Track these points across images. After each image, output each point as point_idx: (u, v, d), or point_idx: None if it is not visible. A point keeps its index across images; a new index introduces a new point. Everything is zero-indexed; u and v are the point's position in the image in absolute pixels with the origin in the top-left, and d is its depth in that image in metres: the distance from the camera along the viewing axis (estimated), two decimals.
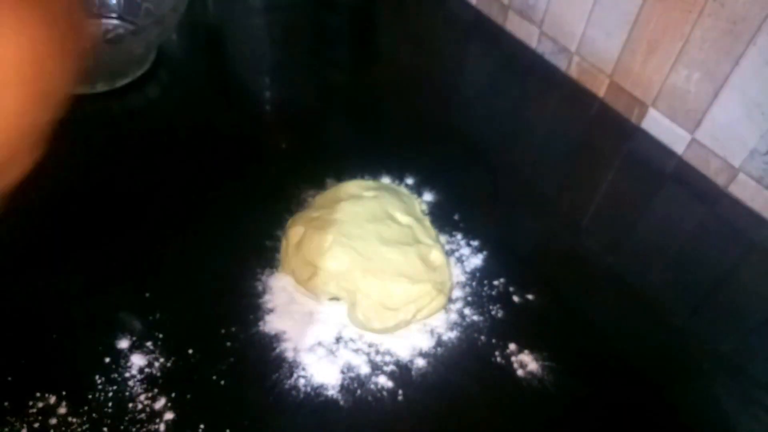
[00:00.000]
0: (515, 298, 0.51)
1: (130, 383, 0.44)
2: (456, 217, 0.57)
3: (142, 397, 0.44)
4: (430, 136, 0.67)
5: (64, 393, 0.44)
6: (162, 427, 0.42)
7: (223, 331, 0.48)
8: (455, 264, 0.53)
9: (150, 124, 0.68)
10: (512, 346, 0.48)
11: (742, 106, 0.57)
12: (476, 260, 0.54)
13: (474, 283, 0.52)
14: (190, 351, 0.46)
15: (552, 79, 0.75)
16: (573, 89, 0.73)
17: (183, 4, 0.67)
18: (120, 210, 0.57)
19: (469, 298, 0.51)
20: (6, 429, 0.42)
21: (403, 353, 0.47)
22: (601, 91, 0.71)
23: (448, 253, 0.53)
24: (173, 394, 0.44)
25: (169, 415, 0.43)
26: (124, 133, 0.66)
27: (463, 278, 0.52)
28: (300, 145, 0.64)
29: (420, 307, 0.48)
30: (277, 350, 0.47)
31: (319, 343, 0.47)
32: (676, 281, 0.54)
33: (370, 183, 0.57)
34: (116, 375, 0.45)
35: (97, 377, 0.45)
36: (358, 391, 0.45)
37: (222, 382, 0.45)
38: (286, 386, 0.45)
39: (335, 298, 0.49)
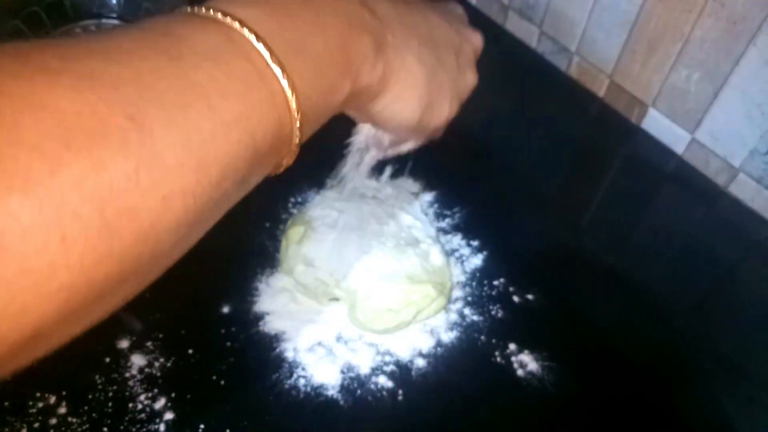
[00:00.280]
0: (515, 298, 0.51)
1: (130, 383, 0.44)
2: (456, 217, 0.57)
3: (142, 397, 0.44)
4: None
5: (64, 393, 0.44)
6: (162, 427, 0.42)
7: (223, 331, 0.48)
8: (455, 264, 0.53)
9: None
10: (512, 346, 0.48)
11: (742, 106, 0.57)
12: (476, 260, 0.54)
13: (474, 283, 0.52)
14: (190, 351, 0.46)
15: (552, 79, 0.75)
16: (573, 89, 0.73)
17: (183, 4, 0.67)
18: None
19: (469, 298, 0.51)
20: (6, 429, 0.42)
21: (403, 353, 0.47)
22: (601, 91, 0.71)
23: (448, 253, 0.53)
24: (173, 394, 0.44)
25: (169, 415, 0.43)
26: None
27: (463, 278, 0.52)
28: (300, 145, 0.64)
29: (420, 309, 0.48)
30: (277, 350, 0.47)
31: (319, 343, 0.47)
32: (676, 281, 0.54)
33: (370, 183, 0.57)
34: (116, 375, 0.45)
35: (97, 377, 0.45)
36: (358, 391, 0.45)
37: (222, 382, 0.45)
38: (286, 386, 0.45)
39: (335, 299, 0.49)
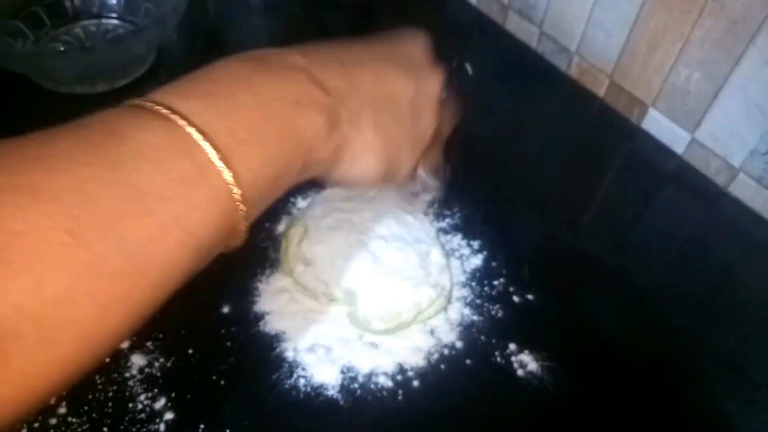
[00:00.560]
0: (515, 298, 0.51)
1: (130, 383, 0.44)
2: (456, 217, 0.57)
3: (142, 397, 0.44)
4: None
5: (64, 393, 0.44)
6: (162, 427, 0.42)
7: (223, 331, 0.48)
8: (455, 264, 0.53)
9: None
10: (512, 346, 0.48)
11: (742, 106, 0.57)
12: (476, 260, 0.54)
13: (474, 283, 0.52)
14: (190, 351, 0.46)
15: (552, 79, 0.75)
16: (573, 89, 0.73)
17: (183, 4, 0.67)
18: None
19: (469, 298, 0.51)
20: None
21: (403, 353, 0.47)
22: (601, 91, 0.71)
23: (448, 253, 0.53)
24: (173, 394, 0.44)
25: (169, 415, 0.43)
26: None
27: (463, 278, 0.52)
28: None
29: (421, 310, 0.48)
30: (277, 350, 0.47)
31: (319, 343, 0.47)
32: (676, 281, 0.54)
33: None
34: (116, 375, 0.45)
35: (97, 377, 0.45)
36: (358, 391, 0.45)
37: (222, 382, 0.45)
38: (286, 386, 0.45)
39: (335, 299, 0.49)
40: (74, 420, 0.42)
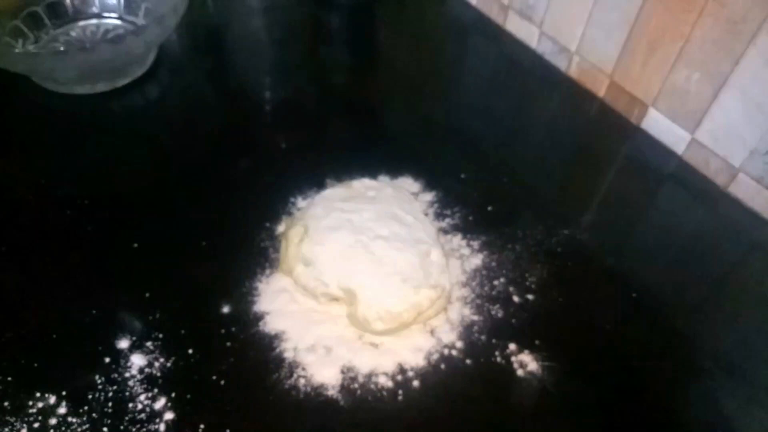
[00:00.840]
0: (515, 298, 0.51)
1: (130, 383, 0.44)
2: (456, 217, 0.57)
3: (142, 397, 0.44)
4: (430, 136, 0.67)
5: (64, 393, 0.44)
6: (162, 427, 0.42)
7: (223, 331, 0.48)
8: (455, 264, 0.53)
9: (150, 124, 0.68)
10: (512, 346, 0.48)
11: (742, 106, 0.57)
12: (476, 260, 0.54)
13: (474, 283, 0.52)
14: (190, 351, 0.46)
15: (552, 79, 0.75)
16: (573, 89, 0.73)
17: (183, 4, 0.67)
18: (120, 210, 0.57)
19: (469, 298, 0.51)
20: (6, 429, 0.42)
21: (403, 353, 0.47)
22: (601, 91, 0.71)
23: (448, 253, 0.53)
24: (173, 394, 0.44)
25: (169, 415, 0.43)
26: (124, 133, 0.66)
27: (463, 278, 0.52)
28: (300, 145, 0.64)
29: (421, 311, 0.48)
30: (277, 350, 0.47)
31: (319, 343, 0.47)
32: (676, 281, 0.54)
33: (370, 183, 0.57)
34: (116, 375, 0.45)
35: (97, 377, 0.45)
36: (358, 391, 0.45)
37: (222, 382, 0.45)
38: (286, 386, 0.45)
39: (335, 299, 0.49)
40: (74, 420, 0.42)
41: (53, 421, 0.42)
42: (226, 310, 0.49)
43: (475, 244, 0.55)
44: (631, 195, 0.62)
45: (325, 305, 0.49)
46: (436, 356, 0.47)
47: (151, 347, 0.47)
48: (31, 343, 0.47)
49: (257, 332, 0.48)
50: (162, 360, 0.46)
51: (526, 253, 0.55)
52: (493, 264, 0.54)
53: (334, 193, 0.55)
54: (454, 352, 0.48)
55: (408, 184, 0.60)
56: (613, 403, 0.46)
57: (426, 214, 0.56)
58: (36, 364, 0.46)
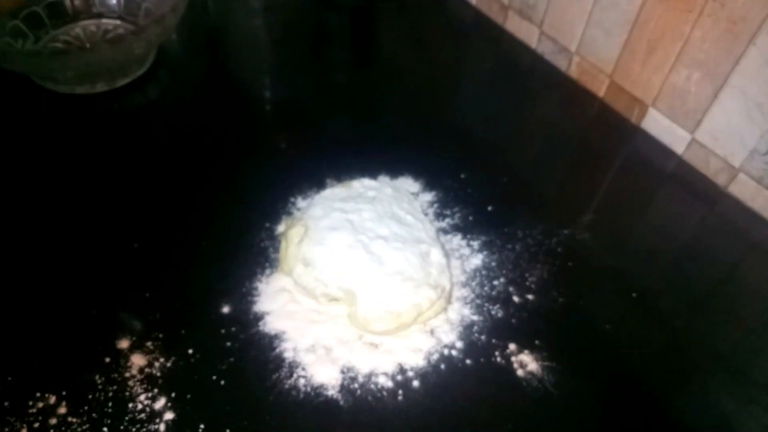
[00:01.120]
0: (515, 298, 0.51)
1: (130, 383, 0.44)
2: (456, 217, 0.57)
3: (142, 397, 0.44)
4: (429, 135, 0.67)
5: (64, 393, 0.44)
6: (162, 427, 0.42)
7: (223, 331, 0.48)
8: (455, 264, 0.53)
9: (150, 124, 0.68)
10: (512, 346, 0.48)
11: (742, 106, 0.57)
12: (476, 260, 0.54)
13: (474, 283, 0.52)
14: (190, 351, 0.46)
15: (552, 79, 0.75)
16: (573, 89, 0.73)
17: (183, 4, 0.67)
18: (120, 210, 0.57)
19: (469, 298, 0.51)
20: (6, 429, 0.42)
21: (403, 353, 0.47)
22: (601, 91, 0.71)
23: (448, 253, 0.53)
24: (173, 394, 0.44)
25: (169, 415, 0.43)
26: (124, 133, 0.66)
27: (463, 278, 0.52)
28: (300, 145, 0.64)
29: (421, 311, 0.48)
30: (277, 350, 0.47)
31: (319, 343, 0.47)
32: (676, 281, 0.54)
33: (370, 182, 0.57)
34: (116, 375, 0.45)
35: (97, 377, 0.45)
36: (358, 391, 0.45)
37: (222, 382, 0.45)
38: (286, 386, 0.45)
39: (335, 299, 0.49)
40: (74, 420, 0.42)
41: (53, 421, 0.42)
42: (226, 310, 0.49)
43: (475, 244, 0.55)
44: (631, 195, 0.62)
45: (325, 305, 0.49)
46: (436, 356, 0.47)
47: (151, 347, 0.47)
48: (31, 343, 0.47)
49: (257, 332, 0.48)
50: (162, 360, 0.46)
51: (526, 253, 0.55)
52: (493, 264, 0.54)
53: (334, 193, 0.55)
54: (454, 352, 0.48)
55: (408, 184, 0.60)
56: (613, 403, 0.46)
57: (426, 214, 0.56)
58: (36, 364, 0.46)
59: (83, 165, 0.61)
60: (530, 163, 0.65)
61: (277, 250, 0.53)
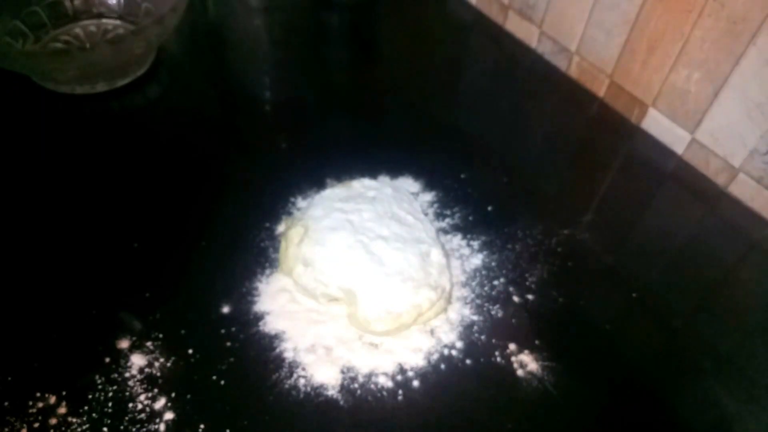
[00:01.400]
0: (515, 298, 0.51)
1: (130, 383, 0.44)
2: (456, 217, 0.57)
3: (142, 397, 0.44)
4: (429, 135, 0.67)
5: (64, 393, 0.44)
6: (162, 427, 0.42)
7: (223, 331, 0.48)
8: (455, 264, 0.53)
9: (150, 124, 0.68)
10: (512, 346, 0.48)
11: (742, 106, 0.57)
12: (476, 260, 0.54)
13: (474, 283, 0.52)
14: (190, 351, 0.46)
15: (552, 79, 0.75)
16: (573, 89, 0.73)
17: (183, 4, 0.67)
18: (120, 210, 0.57)
19: (469, 298, 0.51)
20: (6, 429, 0.42)
21: (403, 353, 0.47)
22: (601, 91, 0.71)
23: (448, 253, 0.53)
24: (173, 394, 0.44)
25: (169, 415, 0.43)
26: (124, 133, 0.66)
27: (463, 278, 0.52)
28: (300, 145, 0.64)
29: (421, 312, 0.48)
30: (277, 350, 0.47)
31: (319, 343, 0.47)
32: (676, 281, 0.54)
33: (370, 182, 0.57)
34: (116, 375, 0.45)
35: (97, 377, 0.45)
36: (358, 391, 0.45)
37: (222, 382, 0.45)
38: (286, 386, 0.45)
39: (335, 299, 0.49)
40: (74, 420, 0.42)
41: (53, 421, 0.42)
42: (226, 310, 0.49)
43: (475, 244, 0.55)
44: (631, 195, 0.62)
45: (325, 305, 0.49)
46: (436, 356, 0.47)
47: (151, 347, 0.47)
48: (31, 343, 0.47)
49: (257, 332, 0.48)
50: (162, 360, 0.46)
51: (526, 253, 0.55)
52: (493, 264, 0.54)
53: (334, 193, 0.55)
54: (454, 352, 0.48)
55: (408, 184, 0.60)
56: (614, 403, 0.46)
57: (426, 214, 0.56)
58: (36, 364, 0.46)
59: (83, 165, 0.61)
60: (530, 163, 0.65)
61: (277, 250, 0.53)
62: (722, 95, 0.58)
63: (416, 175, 0.61)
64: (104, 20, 0.75)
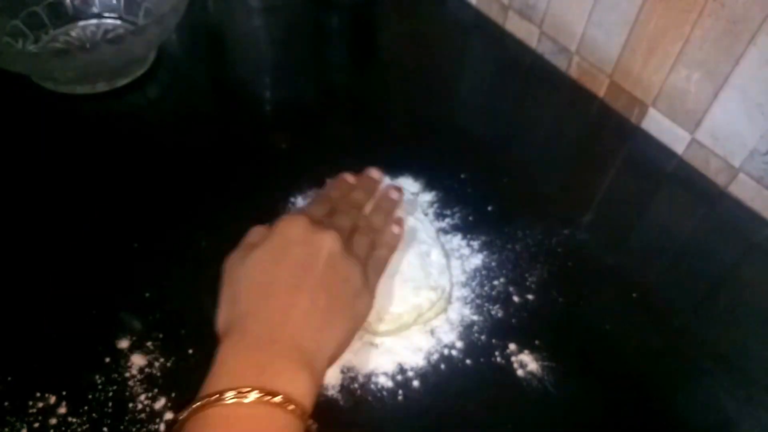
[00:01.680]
0: (515, 298, 0.51)
1: (130, 383, 0.44)
2: (456, 217, 0.57)
3: (142, 397, 0.44)
4: (430, 135, 0.67)
5: (64, 393, 0.44)
6: (162, 427, 0.42)
7: None
8: (455, 264, 0.53)
9: (150, 124, 0.68)
10: (512, 346, 0.48)
11: (742, 106, 0.57)
12: (476, 260, 0.54)
13: (474, 283, 0.52)
14: (190, 351, 0.46)
15: (552, 79, 0.75)
16: (573, 89, 0.73)
17: (183, 4, 0.67)
18: (120, 210, 0.57)
19: (469, 298, 0.51)
20: (6, 429, 0.42)
21: (403, 353, 0.47)
22: (601, 91, 0.71)
23: (448, 253, 0.53)
24: (173, 394, 0.44)
25: (169, 415, 0.43)
26: (124, 133, 0.66)
27: (463, 278, 0.52)
28: (300, 145, 0.64)
29: (421, 312, 0.48)
30: None
31: None
32: (676, 281, 0.54)
33: None
34: (116, 375, 0.45)
35: (97, 377, 0.45)
36: (358, 391, 0.45)
37: None
38: None
39: None
40: (74, 420, 0.42)
41: (53, 421, 0.42)
42: None
43: (475, 244, 0.55)
44: (631, 195, 0.62)
45: None
46: (436, 356, 0.47)
47: (151, 347, 0.47)
48: (31, 343, 0.47)
49: None
50: (162, 360, 0.46)
51: (526, 253, 0.55)
52: (493, 264, 0.54)
53: None
54: (454, 352, 0.48)
55: (408, 184, 0.60)
56: (613, 403, 0.46)
57: (426, 214, 0.56)
58: (36, 364, 0.46)
59: (83, 165, 0.61)
60: (530, 163, 0.65)
61: None
62: (722, 95, 0.58)
63: (416, 175, 0.61)
64: (104, 20, 0.75)
